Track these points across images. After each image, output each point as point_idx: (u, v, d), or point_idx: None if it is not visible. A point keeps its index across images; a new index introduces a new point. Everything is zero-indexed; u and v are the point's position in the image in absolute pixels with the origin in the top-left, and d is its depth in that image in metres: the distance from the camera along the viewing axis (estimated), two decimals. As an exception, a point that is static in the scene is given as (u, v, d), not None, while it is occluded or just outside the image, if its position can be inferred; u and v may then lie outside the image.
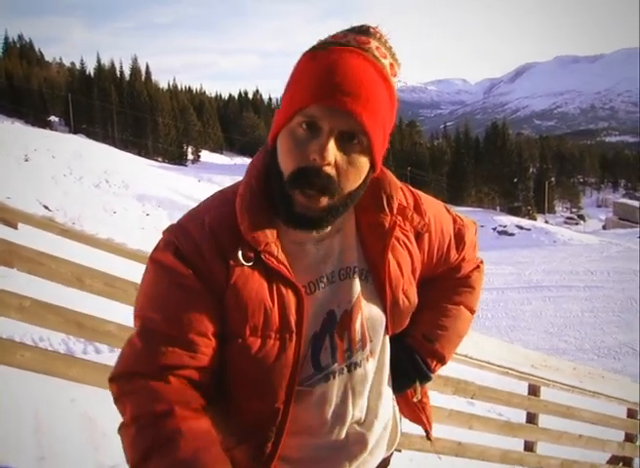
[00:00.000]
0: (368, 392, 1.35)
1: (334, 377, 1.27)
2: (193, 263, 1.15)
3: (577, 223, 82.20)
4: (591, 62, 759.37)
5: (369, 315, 1.31)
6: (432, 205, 1.46)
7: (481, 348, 4.67)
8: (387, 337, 1.38)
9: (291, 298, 1.18)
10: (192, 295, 1.15)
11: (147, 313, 1.17)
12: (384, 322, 1.34)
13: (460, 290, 1.59)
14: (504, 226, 55.20)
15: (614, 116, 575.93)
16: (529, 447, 5.40)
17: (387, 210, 1.31)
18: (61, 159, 37.97)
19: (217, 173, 61.38)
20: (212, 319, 1.16)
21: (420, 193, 1.45)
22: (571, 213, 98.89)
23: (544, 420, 5.50)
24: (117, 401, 1.16)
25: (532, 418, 5.35)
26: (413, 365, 1.49)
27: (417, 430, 4.52)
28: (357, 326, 1.29)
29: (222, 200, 1.25)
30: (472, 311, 1.61)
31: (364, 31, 1.16)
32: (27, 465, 2.75)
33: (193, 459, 1.01)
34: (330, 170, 1.11)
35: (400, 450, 4.60)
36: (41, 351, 3.42)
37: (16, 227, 6.89)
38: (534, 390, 5.29)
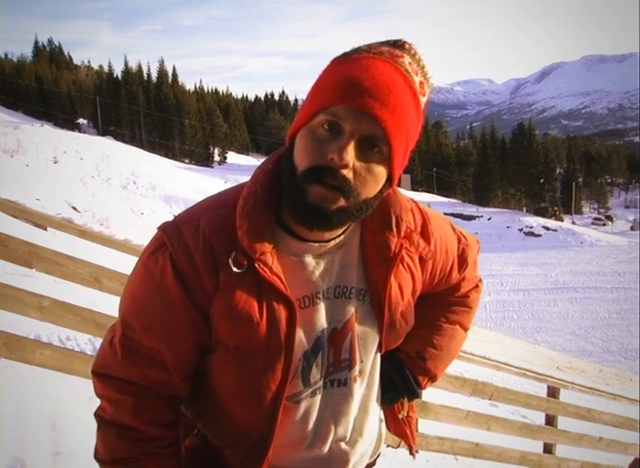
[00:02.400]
0: (355, 411, 1.33)
1: (319, 393, 1.26)
2: (183, 274, 1.14)
3: (604, 224, 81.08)
4: (619, 61, 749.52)
5: (362, 335, 1.28)
6: (439, 225, 1.42)
7: (506, 350, 4.67)
8: (378, 355, 1.36)
9: (282, 312, 1.15)
10: (176, 311, 1.15)
11: (130, 320, 1.19)
12: (377, 342, 1.32)
13: (457, 309, 1.57)
14: (531, 227, 54.78)
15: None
16: (548, 449, 5.38)
17: (395, 231, 1.26)
18: (90, 161, 38.41)
19: (243, 174, 61.42)
20: (192, 335, 1.18)
21: (428, 212, 1.40)
22: (598, 213, 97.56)
23: (565, 422, 5.47)
24: (98, 396, 1.25)
25: (550, 420, 5.33)
26: (403, 381, 1.46)
27: (433, 431, 4.52)
28: (346, 345, 1.26)
29: (222, 201, 1.21)
30: (466, 330, 1.59)
31: (399, 46, 1.14)
32: (43, 460, 2.80)
33: None
34: (347, 172, 1.06)
35: (417, 451, 4.56)
36: (60, 350, 3.47)
37: (45, 229, 7.01)
38: (553, 392, 5.26)
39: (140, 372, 1.19)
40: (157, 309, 1.16)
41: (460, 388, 4.32)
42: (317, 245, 1.20)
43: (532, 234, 53.24)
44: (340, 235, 1.23)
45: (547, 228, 54.55)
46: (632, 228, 78.56)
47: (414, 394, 1.48)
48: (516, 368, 4.70)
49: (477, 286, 1.61)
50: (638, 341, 24.20)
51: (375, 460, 1.52)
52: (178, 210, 33.44)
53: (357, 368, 1.29)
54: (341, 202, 1.09)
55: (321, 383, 1.26)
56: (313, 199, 1.08)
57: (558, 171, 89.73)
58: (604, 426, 5.84)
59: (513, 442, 5.04)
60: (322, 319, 1.23)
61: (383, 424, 1.50)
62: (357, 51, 1.13)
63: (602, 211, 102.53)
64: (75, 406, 3.20)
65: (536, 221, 57.83)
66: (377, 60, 1.09)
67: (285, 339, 1.16)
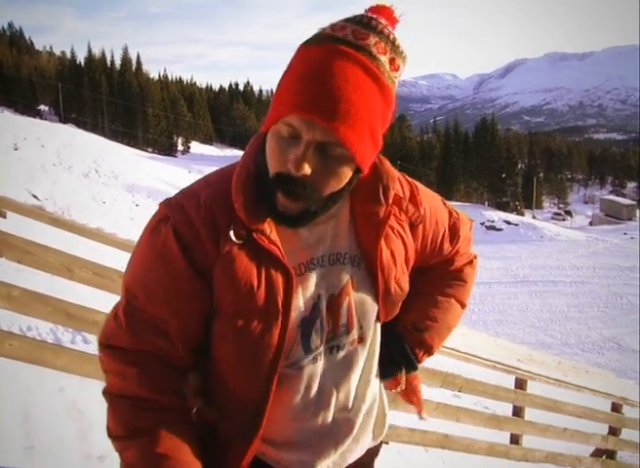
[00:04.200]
0: (357, 379, 1.35)
1: (320, 359, 1.29)
2: (186, 242, 1.18)
3: (564, 219, 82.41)
4: (581, 60, 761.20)
5: (359, 301, 1.32)
6: (429, 196, 1.48)
7: (468, 342, 4.70)
8: (378, 325, 1.39)
9: (279, 279, 1.20)
10: (179, 279, 1.18)
11: (134, 289, 1.22)
12: (376, 309, 1.35)
13: (451, 282, 1.60)
14: (492, 221, 55.35)
15: (602, 113, 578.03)
16: (515, 439, 5.45)
17: (383, 200, 1.30)
18: (51, 148, 37.64)
19: (206, 164, 60.95)
20: (196, 303, 1.21)
21: (417, 184, 1.46)
22: (558, 208, 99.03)
23: (530, 414, 5.55)
24: (106, 371, 1.27)
25: (518, 411, 5.39)
26: (400, 352, 1.49)
27: (404, 422, 4.55)
28: (343, 310, 1.30)
29: (221, 177, 1.27)
30: (463, 305, 1.62)
31: (365, 24, 1.12)
32: (16, 455, 2.74)
33: (167, 455, 1.16)
34: (305, 178, 1.11)
35: (387, 443, 4.62)
36: (29, 340, 3.39)
37: (4, 216, 6.85)
38: (520, 384, 5.33)
39: (143, 341, 1.21)
40: (160, 278, 1.19)
41: (432, 379, 4.35)
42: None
43: (493, 228, 53.77)
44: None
45: (508, 222, 55.20)
46: (591, 223, 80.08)
47: (411, 365, 1.51)
48: (485, 360, 4.74)
49: (471, 261, 1.66)
50: (595, 334, 24.79)
51: (378, 447, 1.53)
52: (140, 199, 33.12)
53: (355, 332, 1.33)
54: (303, 205, 1.15)
55: (322, 349, 1.29)
56: (280, 206, 1.16)
57: (520, 166, 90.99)
58: (568, 417, 5.94)
59: (481, 433, 5.10)
60: (317, 285, 1.27)
61: (385, 399, 1.51)
62: (319, 38, 1.12)
63: (562, 206, 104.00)
64: (46, 398, 3.14)
65: (497, 215, 58.50)
66: (334, 54, 1.08)
67: (282, 304, 1.20)
